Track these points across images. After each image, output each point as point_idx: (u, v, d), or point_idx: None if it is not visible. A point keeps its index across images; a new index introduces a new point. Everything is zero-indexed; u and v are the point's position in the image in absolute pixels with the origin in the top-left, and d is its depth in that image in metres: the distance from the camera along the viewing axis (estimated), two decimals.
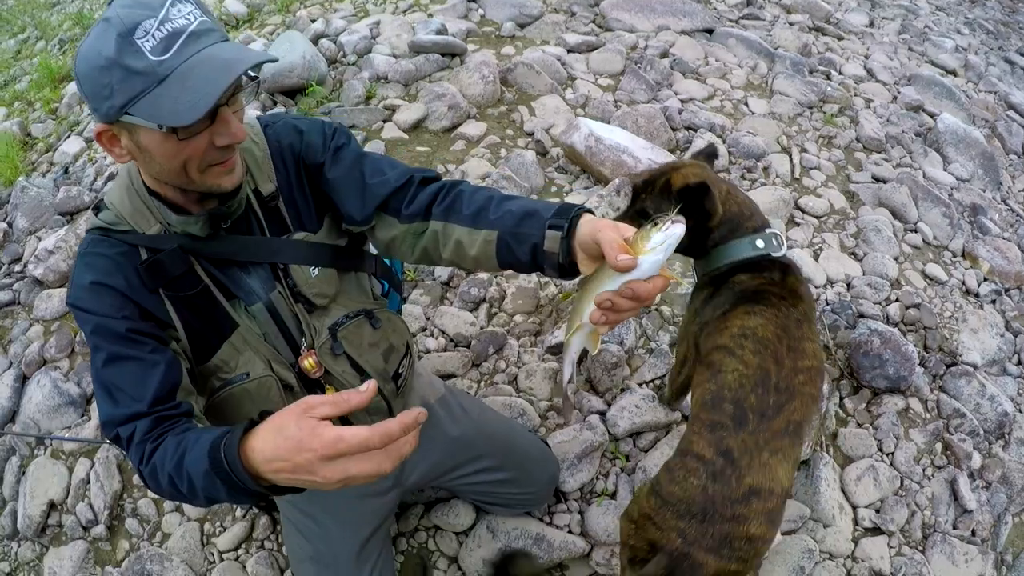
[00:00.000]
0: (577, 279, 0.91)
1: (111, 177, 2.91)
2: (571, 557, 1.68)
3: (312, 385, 1.16)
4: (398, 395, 1.30)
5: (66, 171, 3.14)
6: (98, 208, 1.06)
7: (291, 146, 1.14)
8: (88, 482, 1.97)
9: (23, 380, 2.27)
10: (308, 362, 1.14)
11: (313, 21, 3.54)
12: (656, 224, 0.72)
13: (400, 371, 1.29)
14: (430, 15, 3.61)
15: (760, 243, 1.31)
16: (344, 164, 1.14)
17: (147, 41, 0.83)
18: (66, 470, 2.02)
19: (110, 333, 0.97)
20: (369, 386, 0.74)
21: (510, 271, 1.13)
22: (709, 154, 1.49)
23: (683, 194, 1.26)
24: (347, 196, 1.13)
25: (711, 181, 1.28)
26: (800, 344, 1.22)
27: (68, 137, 3.37)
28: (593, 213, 0.91)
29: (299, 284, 1.13)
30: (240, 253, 1.09)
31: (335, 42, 3.29)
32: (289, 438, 0.71)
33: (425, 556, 1.76)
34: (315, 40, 3.30)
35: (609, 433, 1.85)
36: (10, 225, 2.88)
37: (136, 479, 1.95)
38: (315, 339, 1.15)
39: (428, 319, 2.18)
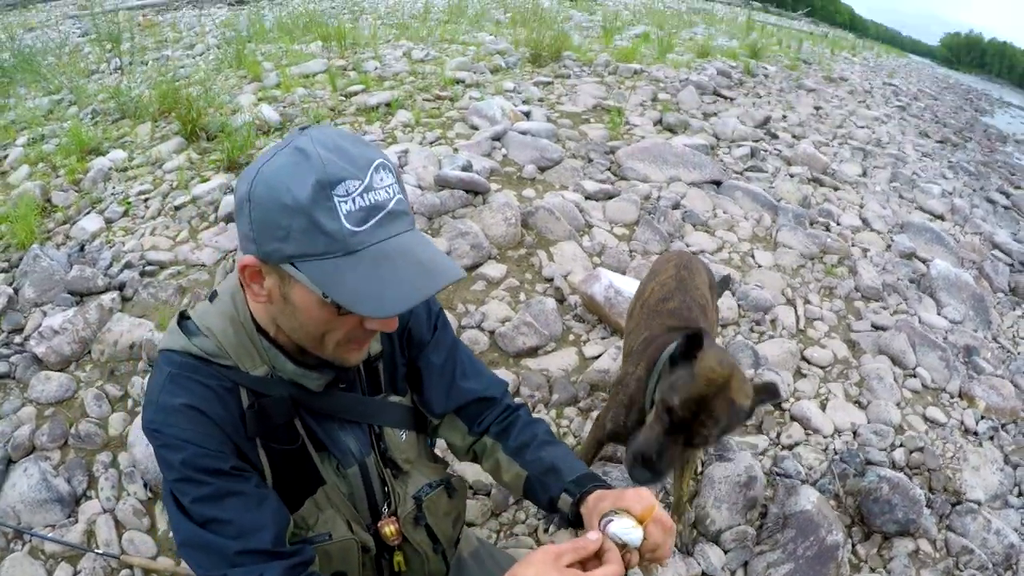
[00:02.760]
0: None
1: (128, 265, 2.81)
2: None
3: (383, 549, 1.12)
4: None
5: (82, 248, 2.98)
6: (185, 328, 0.96)
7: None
8: None
9: (7, 463, 2.05)
10: (390, 529, 1.10)
11: None
12: (616, 514, 0.92)
13: (459, 536, 1.30)
14: (455, 150, 3.68)
15: None
16: (442, 351, 1.16)
17: (346, 203, 0.76)
18: (45, 573, 1.85)
19: (210, 468, 0.88)
20: (598, 537, 0.86)
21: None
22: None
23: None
24: (434, 385, 1.15)
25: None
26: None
27: (88, 213, 3.23)
28: (609, 487, 1.03)
29: (390, 448, 1.12)
30: (344, 411, 1.06)
31: None
32: None
33: None
34: None
35: None
36: (16, 292, 2.65)
37: None
38: (399, 506, 1.12)
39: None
